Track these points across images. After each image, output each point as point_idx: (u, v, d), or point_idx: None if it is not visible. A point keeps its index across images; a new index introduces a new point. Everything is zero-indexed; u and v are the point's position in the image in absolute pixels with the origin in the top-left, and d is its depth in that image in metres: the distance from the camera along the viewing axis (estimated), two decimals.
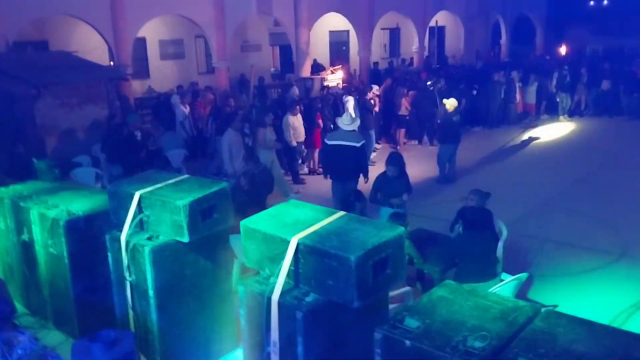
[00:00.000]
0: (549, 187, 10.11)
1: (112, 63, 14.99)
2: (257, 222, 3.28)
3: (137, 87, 16.24)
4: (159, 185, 3.94)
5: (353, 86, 14.76)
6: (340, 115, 8.96)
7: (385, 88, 14.05)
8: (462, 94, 14.04)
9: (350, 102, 11.79)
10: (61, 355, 4.01)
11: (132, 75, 14.81)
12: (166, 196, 3.77)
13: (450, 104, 10.61)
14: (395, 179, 6.98)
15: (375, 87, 13.30)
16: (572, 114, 16.72)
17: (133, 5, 14.42)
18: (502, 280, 5.16)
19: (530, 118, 16.27)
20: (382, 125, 13.47)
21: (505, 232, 6.17)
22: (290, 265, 2.99)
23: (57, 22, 15.11)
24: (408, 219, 5.69)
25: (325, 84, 14.97)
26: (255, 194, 7.08)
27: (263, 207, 4.56)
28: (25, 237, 4.68)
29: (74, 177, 8.63)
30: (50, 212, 4.37)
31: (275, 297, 2.95)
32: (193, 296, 3.94)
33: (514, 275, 5.21)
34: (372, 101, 12.47)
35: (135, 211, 3.82)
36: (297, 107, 10.92)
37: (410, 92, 13.69)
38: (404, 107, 13.33)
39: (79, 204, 4.44)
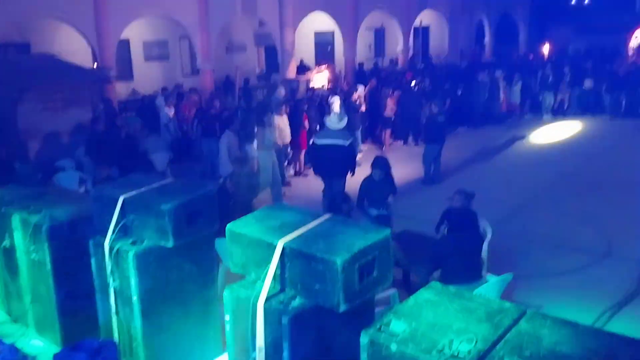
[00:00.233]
0: (533, 186, 10.20)
1: (95, 65, 14.84)
2: (243, 225, 3.26)
3: (121, 89, 16.08)
4: (143, 189, 3.90)
5: (339, 87, 14.78)
6: (326, 117, 9.02)
7: (371, 89, 14.09)
8: (446, 94, 14.12)
9: (336, 102, 11.79)
10: None
11: (115, 78, 14.66)
12: (150, 200, 3.73)
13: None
14: (381, 182, 7.03)
15: (360, 88, 13.32)
16: (555, 112, 16.90)
17: (116, 7, 14.28)
18: (488, 281, 5.19)
19: (515, 117, 16.41)
20: (367, 126, 13.50)
21: (490, 233, 6.20)
22: (276, 269, 2.98)
23: (39, 24, 14.92)
24: (393, 221, 5.72)
25: (311, 85, 14.96)
26: (241, 197, 7.06)
27: (249, 210, 4.54)
28: (6, 243, 4.60)
29: (57, 182, 8.52)
30: (33, 218, 4.30)
31: (260, 301, 2.93)
32: (178, 301, 3.90)
33: (499, 275, 5.24)
34: (357, 102, 12.48)
35: (119, 216, 3.78)
36: (283, 108, 10.90)
37: (396, 93, 13.73)
38: (390, 107, 13.36)
39: (62, 209, 4.38)
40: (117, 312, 3.86)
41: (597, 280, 6.60)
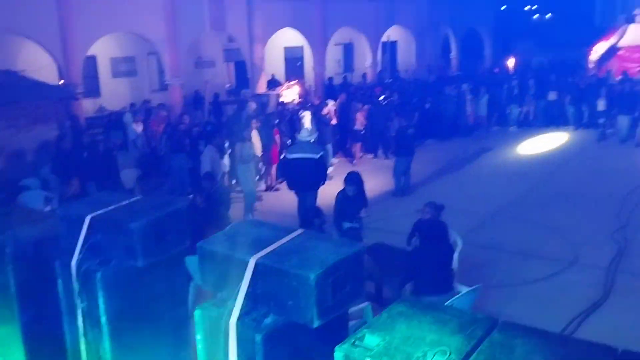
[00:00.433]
0: (501, 197, 10.36)
1: (61, 82, 14.59)
2: (214, 242, 3.21)
3: (88, 106, 15.83)
4: (110, 207, 3.82)
5: (309, 101, 14.83)
6: (297, 131, 9.10)
7: (341, 103, 14.18)
8: (415, 108, 14.29)
9: (307, 117, 11.84)
10: None
11: (82, 94, 14.45)
12: (118, 219, 3.66)
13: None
14: (354, 196, 7.08)
15: (331, 102, 13.40)
16: (521, 124, 17.26)
17: (83, 23, 14.11)
18: (459, 292, 5.23)
19: (482, 129, 16.70)
20: (338, 140, 13.56)
21: (460, 244, 6.27)
22: (248, 287, 2.94)
23: (2, 40, 14.63)
24: (362, 233, 5.73)
25: (281, 99, 14.98)
26: (211, 213, 6.98)
27: (221, 227, 4.50)
28: None
29: (22, 201, 8.30)
30: None
31: (232, 320, 2.89)
32: (148, 322, 3.82)
33: (470, 286, 5.29)
34: (328, 116, 12.54)
35: (86, 235, 3.70)
36: (254, 123, 10.88)
37: (365, 107, 13.86)
38: (359, 121, 13.47)
39: (27, 230, 4.26)
40: (85, 335, 3.76)
41: (565, 288, 6.72)
